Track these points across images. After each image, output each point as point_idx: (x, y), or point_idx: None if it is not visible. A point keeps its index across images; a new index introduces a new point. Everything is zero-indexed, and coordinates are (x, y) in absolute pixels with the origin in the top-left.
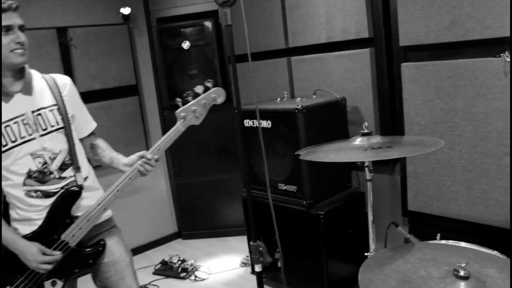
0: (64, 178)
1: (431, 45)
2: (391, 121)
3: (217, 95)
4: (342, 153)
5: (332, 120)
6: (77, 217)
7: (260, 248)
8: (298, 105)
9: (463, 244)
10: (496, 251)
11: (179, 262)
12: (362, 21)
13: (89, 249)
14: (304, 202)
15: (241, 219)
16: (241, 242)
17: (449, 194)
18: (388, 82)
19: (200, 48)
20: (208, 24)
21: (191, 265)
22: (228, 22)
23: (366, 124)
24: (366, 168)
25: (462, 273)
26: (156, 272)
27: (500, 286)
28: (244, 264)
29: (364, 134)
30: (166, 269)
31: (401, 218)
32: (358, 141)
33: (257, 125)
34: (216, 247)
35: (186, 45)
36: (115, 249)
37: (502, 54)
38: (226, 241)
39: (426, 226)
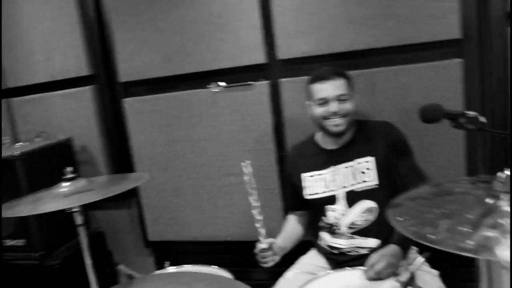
0: None
1: (149, 80)
2: (120, 158)
3: None
4: (52, 201)
5: (58, 163)
6: None
7: None
8: (16, 152)
9: (187, 267)
10: (217, 267)
11: None
12: (81, 59)
13: None
14: (36, 255)
15: None
16: None
17: (183, 219)
18: (113, 118)
19: None
20: None
21: None
22: None
23: (70, 169)
24: (76, 213)
25: None
26: None
27: None
28: None
29: (67, 179)
30: None
31: (144, 250)
32: (63, 186)
33: None
34: None
35: None
36: None
37: (209, 86)
38: None
39: (169, 253)
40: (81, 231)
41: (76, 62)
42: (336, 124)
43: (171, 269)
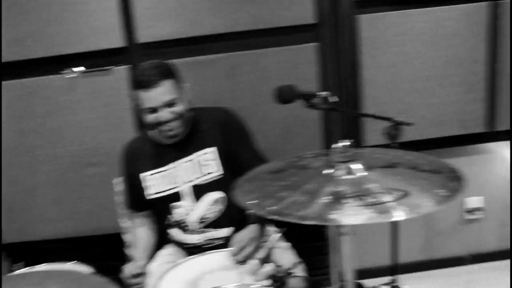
0: None
1: None
2: None
3: None
4: None
5: None
6: None
7: None
8: None
9: (41, 267)
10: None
11: None
12: None
13: None
14: None
15: None
16: None
17: (43, 216)
18: None
19: None
20: None
21: None
22: None
23: None
24: None
25: None
26: None
27: None
28: None
29: None
30: None
31: None
32: None
33: None
34: None
35: None
36: None
37: (63, 71)
38: None
39: (29, 254)
40: None
41: None
42: (170, 129)
43: (23, 270)
